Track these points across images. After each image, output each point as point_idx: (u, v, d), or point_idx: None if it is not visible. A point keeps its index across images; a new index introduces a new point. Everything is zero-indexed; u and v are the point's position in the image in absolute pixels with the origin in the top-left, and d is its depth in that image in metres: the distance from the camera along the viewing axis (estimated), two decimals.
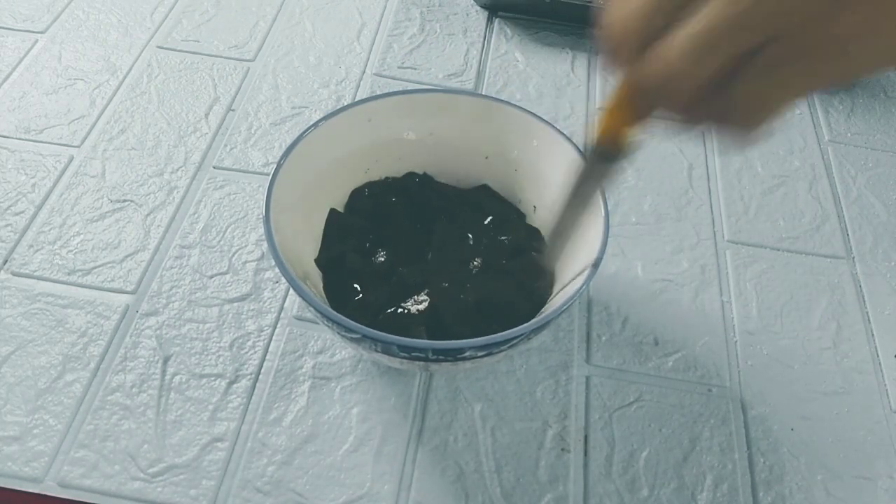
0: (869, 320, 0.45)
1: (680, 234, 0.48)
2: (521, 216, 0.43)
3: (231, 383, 0.40)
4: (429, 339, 0.36)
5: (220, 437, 0.38)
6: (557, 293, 0.38)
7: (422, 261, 0.40)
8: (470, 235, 0.41)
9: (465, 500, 0.36)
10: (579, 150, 0.39)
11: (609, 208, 0.36)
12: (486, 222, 0.42)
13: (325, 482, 0.36)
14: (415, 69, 0.58)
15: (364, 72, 0.57)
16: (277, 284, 0.44)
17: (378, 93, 0.46)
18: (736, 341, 0.43)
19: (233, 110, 0.54)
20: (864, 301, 0.46)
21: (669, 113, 0.26)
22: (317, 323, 0.42)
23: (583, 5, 0.59)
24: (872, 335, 0.44)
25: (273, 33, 0.60)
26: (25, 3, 0.61)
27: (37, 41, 0.58)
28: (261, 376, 0.40)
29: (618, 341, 0.43)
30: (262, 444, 0.37)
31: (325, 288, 0.39)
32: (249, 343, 0.41)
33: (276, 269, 0.44)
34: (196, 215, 0.47)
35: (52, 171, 0.49)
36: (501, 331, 0.32)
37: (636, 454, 0.38)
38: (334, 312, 0.32)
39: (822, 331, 0.44)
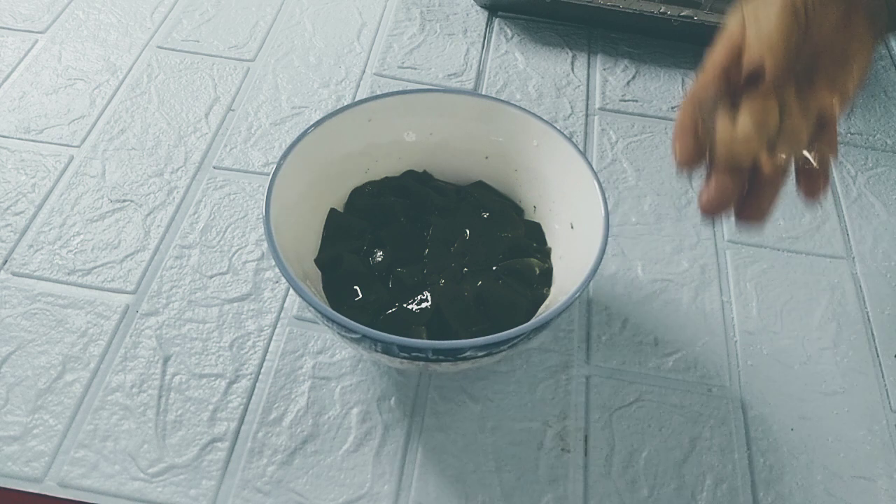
0: (869, 320, 0.45)
1: (680, 234, 0.48)
2: (520, 212, 0.43)
3: (231, 383, 0.40)
4: (429, 339, 0.36)
5: (220, 437, 0.38)
6: (557, 293, 0.38)
7: (420, 260, 0.40)
8: (467, 231, 0.41)
9: (465, 500, 0.36)
10: (579, 150, 0.39)
11: (609, 208, 0.37)
12: (484, 217, 0.42)
13: (325, 482, 0.36)
14: (415, 69, 0.58)
15: (364, 72, 0.57)
16: (277, 284, 0.44)
17: (378, 93, 0.46)
18: (736, 341, 0.43)
19: (233, 110, 0.54)
20: (864, 301, 0.46)
21: None
22: (317, 323, 0.42)
23: (583, 5, 0.59)
24: (872, 335, 0.44)
25: (273, 33, 0.60)
26: (25, 3, 0.61)
27: (37, 41, 0.58)
28: (261, 376, 0.40)
29: (618, 341, 0.43)
30: (262, 444, 0.37)
31: (324, 288, 0.39)
32: (249, 343, 0.41)
33: (276, 269, 0.44)
34: (196, 215, 0.47)
35: (52, 171, 0.49)
36: (501, 331, 0.32)
37: (636, 454, 0.38)
38: (334, 312, 0.32)
39: (822, 331, 0.44)
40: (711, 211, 0.32)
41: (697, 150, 0.32)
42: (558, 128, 0.40)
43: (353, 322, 0.32)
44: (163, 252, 0.45)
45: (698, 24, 0.58)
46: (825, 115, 0.32)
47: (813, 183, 0.32)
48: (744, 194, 0.32)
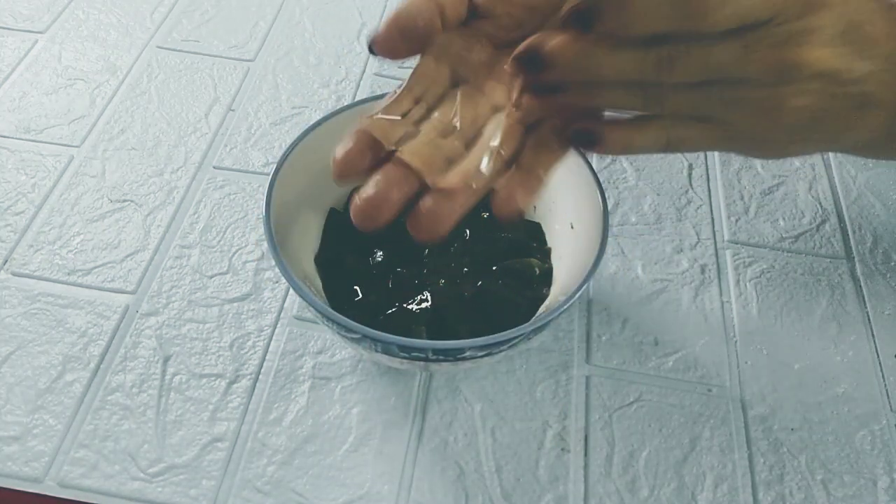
0: (869, 320, 0.45)
1: (680, 234, 0.48)
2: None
3: (231, 383, 0.40)
4: (429, 339, 0.36)
5: (220, 437, 0.38)
6: (557, 293, 0.38)
7: (420, 260, 0.40)
8: (467, 231, 0.41)
9: (465, 500, 0.36)
10: (579, 150, 0.39)
11: (609, 208, 0.36)
12: (484, 217, 0.42)
13: (325, 482, 0.36)
14: None
15: (364, 72, 0.57)
16: (277, 284, 0.44)
17: (378, 93, 0.46)
18: (736, 341, 0.43)
19: (233, 110, 0.54)
20: (864, 301, 0.46)
21: None
22: (317, 323, 0.42)
23: None
24: (872, 335, 0.44)
25: (273, 33, 0.60)
26: (25, 3, 0.61)
27: (37, 41, 0.58)
28: (261, 376, 0.40)
29: (618, 341, 0.43)
30: (262, 444, 0.37)
31: (324, 288, 0.39)
32: (249, 343, 0.41)
33: (276, 269, 0.44)
34: (196, 215, 0.47)
35: (52, 171, 0.49)
36: (501, 331, 0.32)
37: (636, 454, 0.38)
38: (334, 312, 0.32)
39: (822, 331, 0.44)
40: (365, 214, 0.25)
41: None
42: None
43: (353, 322, 0.32)
44: (163, 252, 0.45)
45: None
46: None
47: (508, 193, 0.25)
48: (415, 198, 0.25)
